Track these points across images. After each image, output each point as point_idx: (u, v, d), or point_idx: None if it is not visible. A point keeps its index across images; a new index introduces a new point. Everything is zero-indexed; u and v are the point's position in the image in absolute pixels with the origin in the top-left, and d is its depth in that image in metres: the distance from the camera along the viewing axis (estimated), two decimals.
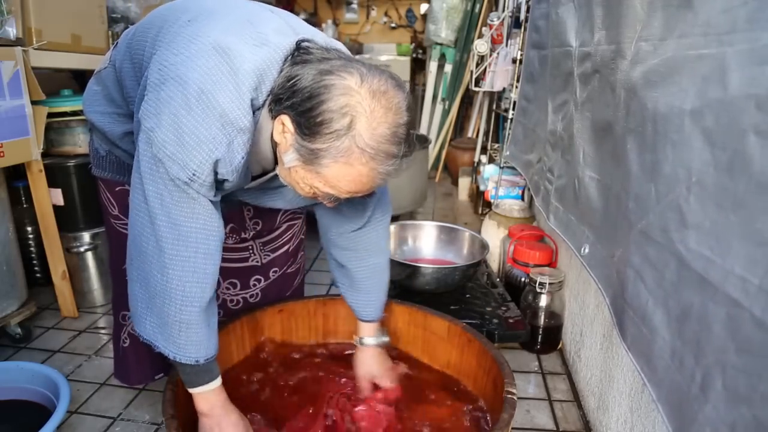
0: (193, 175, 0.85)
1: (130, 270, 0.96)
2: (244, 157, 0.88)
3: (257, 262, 1.37)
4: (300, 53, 0.88)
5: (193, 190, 0.88)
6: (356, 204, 1.15)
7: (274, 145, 0.91)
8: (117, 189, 1.21)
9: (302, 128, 0.82)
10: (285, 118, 0.84)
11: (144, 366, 1.35)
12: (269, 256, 1.39)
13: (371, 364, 1.25)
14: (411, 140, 0.86)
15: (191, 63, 0.82)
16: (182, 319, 0.93)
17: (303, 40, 0.90)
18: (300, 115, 0.81)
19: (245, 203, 1.22)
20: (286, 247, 1.41)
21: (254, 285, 1.38)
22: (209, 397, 1.01)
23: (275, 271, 1.41)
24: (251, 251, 1.36)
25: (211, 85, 0.82)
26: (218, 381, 1.02)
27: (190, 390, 1.00)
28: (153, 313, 0.94)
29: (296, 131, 0.83)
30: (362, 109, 0.79)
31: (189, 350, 0.95)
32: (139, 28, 1.00)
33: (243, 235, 1.32)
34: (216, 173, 0.88)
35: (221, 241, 0.95)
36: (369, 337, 1.26)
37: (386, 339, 1.29)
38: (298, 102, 0.81)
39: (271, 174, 1.01)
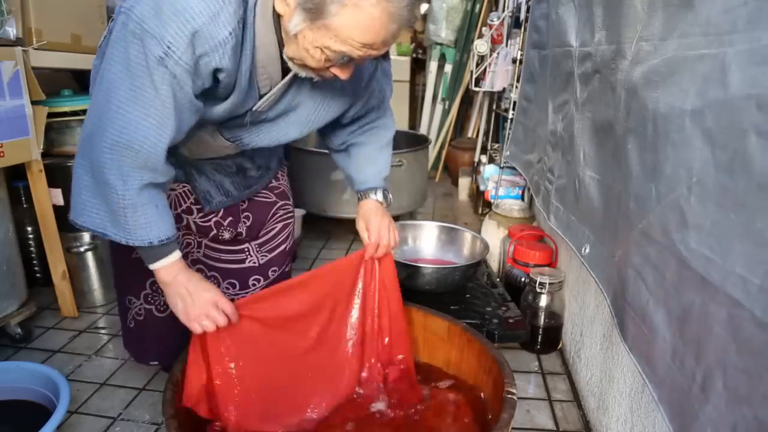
0: (168, 48, 0.81)
1: (78, 157, 0.93)
2: (231, 33, 0.84)
3: (254, 263, 1.37)
4: None
5: (165, 70, 0.83)
6: (359, 113, 1.19)
7: (278, 21, 0.88)
8: None
9: None
10: None
11: (144, 349, 1.37)
12: (266, 256, 1.39)
13: (369, 216, 1.24)
14: None
15: None
16: (126, 204, 0.91)
17: None
18: None
19: (252, 159, 1.22)
20: (282, 247, 1.42)
21: (253, 285, 1.39)
22: (169, 269, 1.00)
23: (274, 271, 1.42)
24: (248, 253, 1.36)
25: None
26: (176, 254, 1.01)
27: (150, 266, 1.00)
28: (99, 200, 0.92)
29: None
30: None
31: (139, 234, 0.94)
32: None
33: (239, 229, 1.32)
34: (198, 57, 0.84)
35: (168, 141, 0.90)
36: (372, 193, 1.28)
37: (389, 196, 1.31)
38: None
39: (283, 81, 0.98)
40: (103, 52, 0.91)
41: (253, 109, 1.02)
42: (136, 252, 1.22)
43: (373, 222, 1.22)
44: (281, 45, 0.92)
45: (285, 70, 0.98)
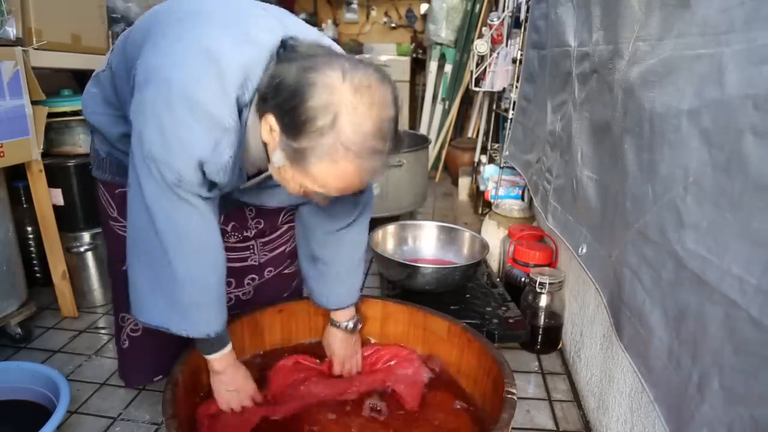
0: (180, 175, 0.87)
1: (133, 261, 0.98)
2: (231, 156, 0.88)
3: (255, 261, 1.37)
4: (286, 51, 0.88)
5: (183, 191, 0.89)
6: (346, 203, 1.15)
7: (265, 145, 0.92)
8: (117, 191, 1.21)
9: (287, 127, 0.82)
10: (270, 118, 0.84)
11: (142, 367, 1.36)
12: (266, 255, 1.39)
13: (338, 346, 1.30)
14: (398, 135, 0.85)
15: (176, 63, 0.83)
16: (193, 302, 0.98)
17: (290, 38, 0.89)
18: (285, 114, 0.81)
19: (246, 203, 1.23)
20: (283, 248, 1.41)
21: (248, 284, 1.38)
22: (222, 359, 1.10)
23: (270, 271, 1.41)
24: (252, 250, 1.36)
25: (195, 85, 0.82)
26: (229, 346, 1.10)
27: (206, 356, 1.09)
28: (162, 297, 0.98)
29: (282, 130, 0.83)
30: (345, 106, 0.78)
31: (201, 328, 1.02)
32: (133, 30, 1.00)
33: (245, 234, 1.32)
34: (204, 173, 0.89)
35: (219, 232, 0.99)
36: (343, 321, 1.30)
37: (358, 324, 1.32)
38: (282, 101, 0.81)
39: (266, 174, 1.01)
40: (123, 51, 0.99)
41: (241, 187, 1.06)
42: None
43: (338, 355, 1.31)
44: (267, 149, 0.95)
45: None
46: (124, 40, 1.02)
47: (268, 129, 0.85)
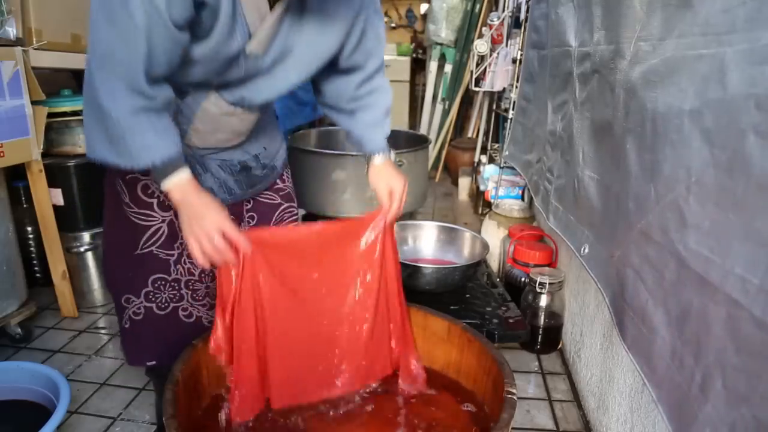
0: None
1: (83, 86, 0.96)
2: None
3: None
4: None
5: None
6: (356, 56, 1.20)
7: None
8: (128, 177, 1.21)
9: None
10: None
11: (139, 350, 1.35)
12: None
13: (386, 176, 1.26)
14: None
15: None
16: (123, 129, 0.93)
17: None
18: None
19: (249, 173, 1.23)
20: None
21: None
22: (179, 187, 1.01)
23: None
24: None
25: None
26: (185, 173, 1.01)
27: (161, 186, 1.01)
28: (101, 130, 0.95)
29: None
30: None
31: (142, 157, 0.96)
32: None
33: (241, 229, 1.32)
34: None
35: (144, 63, 0.92)
36: (379, 155, 1.28)
37: (393, 154, 1.32)
38: None
39: (272, 15, 1.00)
40: None
41: (247, 52, 1.02)
42: (140, 248, 1.22)
43: (397, 187, 1.23)
44: None
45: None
46: None
47: None
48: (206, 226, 1.00)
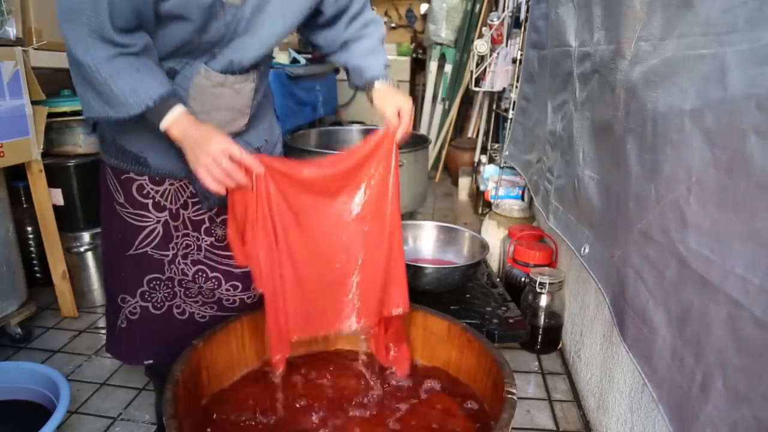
0: None
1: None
2: None
3: None
4: None
5: None
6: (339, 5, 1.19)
7: None
8: (123, 177, 1.20)
9: None
10: None
11: (136, 348, 1.34)
12: None
13: (392, 96, 1.22)
14: None
15: None
16: (104, 77, 0.94)
17: None
18: None
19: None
20: None
21: (254, 287, 1.37)
22: (177, 123, 1.00)
23: None
24: None
25: None
26: (179, 108, 1.01)
27: (160, 127, 1.00)
28: (87, 87, 0.97)
29: None
30: None
31: (132, 101, 0.96)
32: None
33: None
34: None
35: (106, 9, 0.93)
36: (381, 80, 1.25)
37: (394, 81, 1.30)
38: None
39: None
40: None
41: (224, 0, 1.00)
42: (135, 249, 1.21)
43: (405, 106, 1.19)
44: None
45: None
46: None
47: None
48: (212, 152, 0.98)
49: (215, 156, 0.98)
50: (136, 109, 0.97)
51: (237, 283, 1.34)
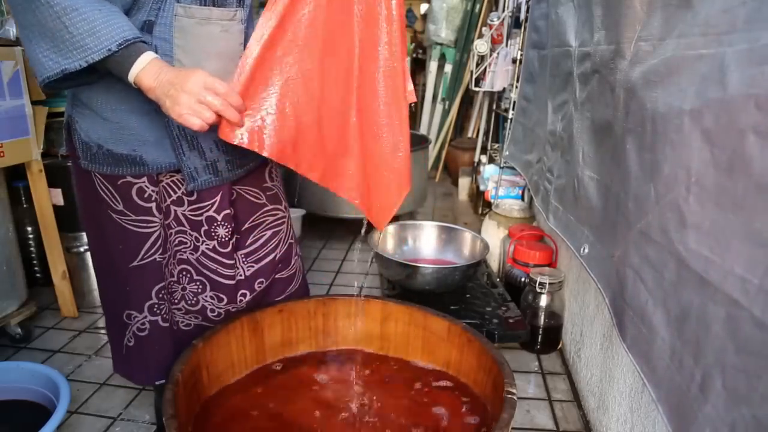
0: None
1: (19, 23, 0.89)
2: None
3: (241, 275, 1.28)
4: None
5: None
6: None
7: None
8: (119, 182, 1.11)
9: None
10: None
11: (147, 366, 1.28)
12: (253, 267, 1.29)
13: None
14: None
15: None
16: (58, 10, 0.83)
17: None
18: None
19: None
20: (271, 257, 1.32)
21: (240, 300, 1.29)
22: (149, 71, 0.89)
23: (261, 283, 1.31)
24: (237, 266, 1.27)
25: None
26: (149, 54, 0.90)
27: (129, 79, 0.89)
28: (39, 33, 0.85)
29: None
30: None
31: (92, 44, 0.84)
32: None
33: (232, 225, 1.23)
34: None
35: None
36: None
37: None
38: None
39: None
40: None
41: None
42: (141, 258, 1.13)
43: None
44: None
45: None
46: None
47: None
48: (193, 90, 0.88)
49: (197, 93, 0.88)
50: (95, 55, 0.83)
51: (222, 295, 1.26)
